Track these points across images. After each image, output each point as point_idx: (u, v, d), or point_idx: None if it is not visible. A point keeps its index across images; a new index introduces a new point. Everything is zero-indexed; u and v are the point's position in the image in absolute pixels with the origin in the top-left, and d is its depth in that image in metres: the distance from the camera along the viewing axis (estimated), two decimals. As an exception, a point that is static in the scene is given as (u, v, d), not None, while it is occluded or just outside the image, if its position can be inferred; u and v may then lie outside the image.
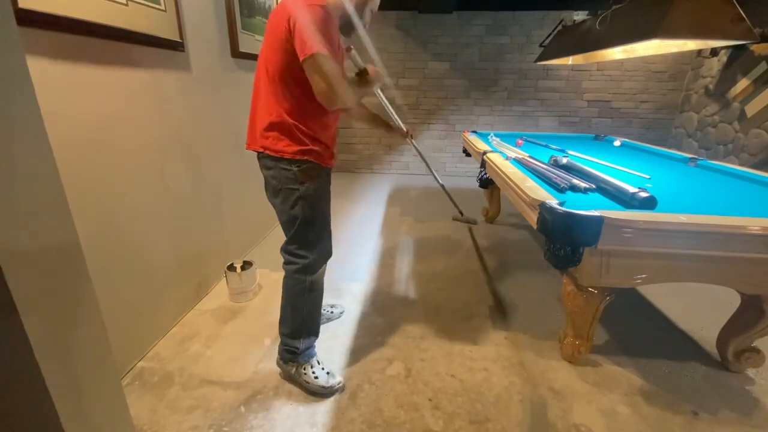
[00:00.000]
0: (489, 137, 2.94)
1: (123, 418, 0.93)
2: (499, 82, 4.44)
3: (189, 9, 1.71)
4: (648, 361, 1.58)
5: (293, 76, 1.13)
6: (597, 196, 1.50)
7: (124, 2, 1.31)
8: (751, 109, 3.25)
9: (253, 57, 2.37)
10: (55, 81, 1.12)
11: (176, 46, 1.63)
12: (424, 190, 4.18)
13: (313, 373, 1.38)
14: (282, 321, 1.40)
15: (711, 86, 3.74)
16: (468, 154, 3.03)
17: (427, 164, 2.46)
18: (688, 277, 1.31)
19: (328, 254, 1.41)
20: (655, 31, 1.57)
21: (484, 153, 2.25)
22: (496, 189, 2.94)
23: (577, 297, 1.41)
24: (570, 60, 2.86)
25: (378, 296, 2.03)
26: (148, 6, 1.42)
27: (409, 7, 4.14)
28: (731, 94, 3.46)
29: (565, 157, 1.96)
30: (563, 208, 1.20)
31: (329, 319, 1.79)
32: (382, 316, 1.85)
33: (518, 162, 2.00)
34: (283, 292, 1.38)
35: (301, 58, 1.06)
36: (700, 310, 1.94)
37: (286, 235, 1.32)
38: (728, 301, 1.62)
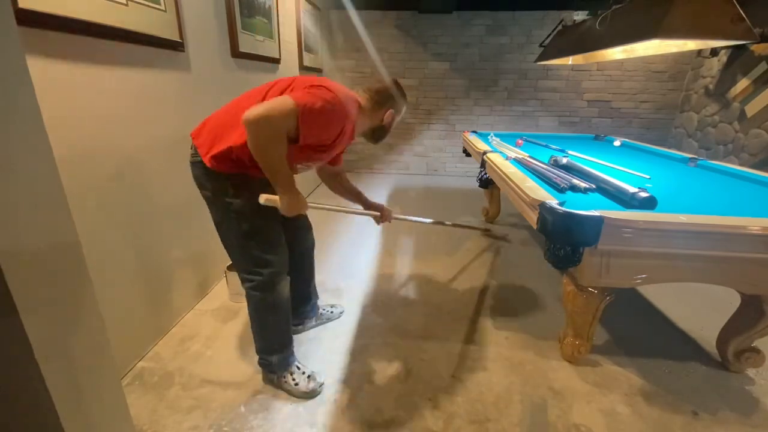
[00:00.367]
0: (489, 137, 2.94)
1: (123, 418, 0.93)
2: (499, 82, 4.44)
3: (189, 9, 1.71)
4: (648, 361, 1.58)
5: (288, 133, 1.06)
6: (597, 196, 1.50)
7: (124, 2, 1.31)
8: (751, 109, 3.24)
9: (254, 57, 2.37)
10: (55, 81, 1.12)
11: (176, 46, 1.63)
12: (424, 190, 4.18)
13: (293, 380, 1.37)
14: (254, 337, 1.39)
15: (711, 86, 3.74)
16: (468, 154, 3.03)
17: (425, 221, 2.09)
18: (688, 277, 1.31)
19: (284, 265, 1.33)
20: (655, 31, 1.57)
21: (484, 153, 2.25)
22: (496, 189, 2.93)
23: (577, 297, 1.41)
24: (570, 60, 2.86)
25: (378, 296, 2.03)
26: (148, 6, 1.42)
27: (409, 7, 4.14)
28: (731, 94, 3.46)
29: (565, 157, 1.96)
30: (563, 208, 1.20)
31: (329, 319, 1.79)
32: (382, 316, 1.85)
33: (518, 162, 2.00)
34: (248, 309, 1.35)
35: (282, 94, 1.07)
36: (700, 310, 1.94)
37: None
38: (728, 301, 1.62)
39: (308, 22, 3.46)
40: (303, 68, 3.38)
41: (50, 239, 0.69)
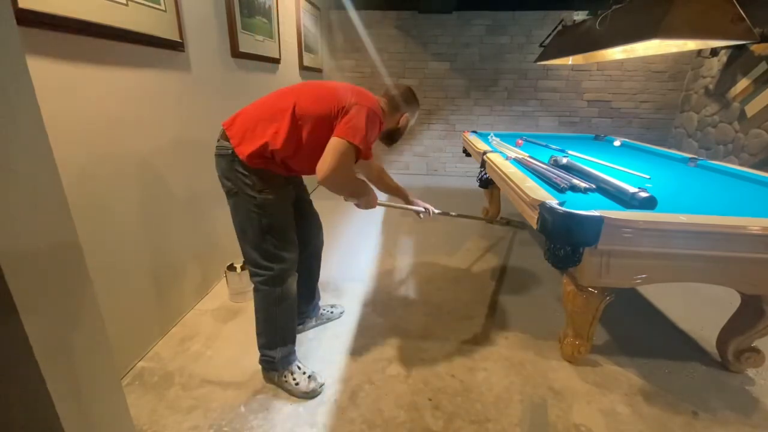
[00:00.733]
0: (489, 137, 2.93)
1: (123, 418, 0.93)
2: (499, 82, 4.44)
3: (189, 9, 1.71)
4: (648, 361, 1.58)
5: (315, 133, 1.18)
6: (597, 196, 1.50)
7: (124, 2, 1.31)
8: (751, 109, 3.24)
9: (254, 57, 2.37)
10: (55, 81, 1.12)
11: (176, 46, 1.63)
12: (424, 191, 4.18)
13: (294, 379, 1.37)
14: (257, 332, 1.39)
15: (711, 86, 3.74)
16: (468, 154, 3.03)
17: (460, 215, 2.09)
18: (688, 277, 1.31)
19: (295, 263, 1.36)
20: (655, 31, 1.57)
21: (484, 153, 2.25)
22: (496, 189, 2.94)
23: (577, 297, 1.41)
24: (570, 60, 2.86)
25: (378, 296, 2.03)
26: (148, 6, 1.42)
27: (409, 7, 4.14)
28: (731, 94, 3.46)
29: (565, 157, 1.96)
30: (563, 208, 1.20)
31: (329, 319, 1.79)
32: (382, 316, 1.85)
33: (518, 162, 2.00)
34: (254, 303, 1.36)
35: (337, 135, 1.14)
36: (700, 310, 1.94)
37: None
38: (728, 301, 1.62)
39: (308, 22, 3.46)
40: (303, 68, 3.38)
41: (50, 239, 0.69)
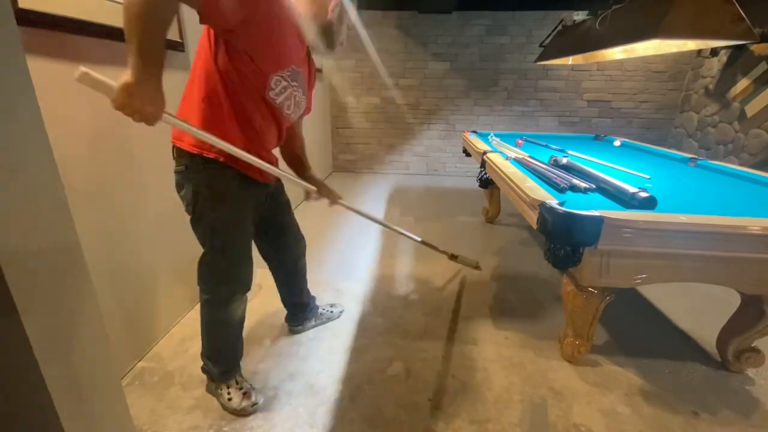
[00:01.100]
0: (489, 137, 2.94)
1: (123, 418, 0.94)
2: (499, 82, 4.44)
3: (189, 9, 1.70)
4: (648, 361, 1.58)
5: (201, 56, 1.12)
6: (597, 196, 1.50)
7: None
8: (751, 109, 3.25)
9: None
10: (55, 81, 1.12)
11: (176, 46, 1.63)
12: (424, 191, 4.18)
13: (228, 395, 1.30)
14: (201, 338, 1.33)
15: (711, 86, 3.74)
16: (468, 154, 3.03)
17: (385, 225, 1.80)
18: (688, 277, 1.31)
19: (245, 286, 1.28)
20: (655, 31, 1.57)
21: (484, 153, 2.25)
22: (496, 189, 2.94)
23: (577, 297, 1.41)
24: (570, 60, 2.86)
25: (378, 296, 2.03)
26: (148, 6, 1.42)
27: (409, 7, 4.14)
28: (731, 94, 3.46)
29: (565, 157, 1.96)
30: (563, 208, 1.20)
31: (329, 319, 1.79)
32: (382, 316, 1.85)
33: (518, 162, 2.00)
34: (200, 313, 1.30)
35: None
36: (700, 310, 1.94)
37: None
38: (728, 301, 1.62)
39: (308, 22, 3.46)
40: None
41: (50, 239, 0.69)
